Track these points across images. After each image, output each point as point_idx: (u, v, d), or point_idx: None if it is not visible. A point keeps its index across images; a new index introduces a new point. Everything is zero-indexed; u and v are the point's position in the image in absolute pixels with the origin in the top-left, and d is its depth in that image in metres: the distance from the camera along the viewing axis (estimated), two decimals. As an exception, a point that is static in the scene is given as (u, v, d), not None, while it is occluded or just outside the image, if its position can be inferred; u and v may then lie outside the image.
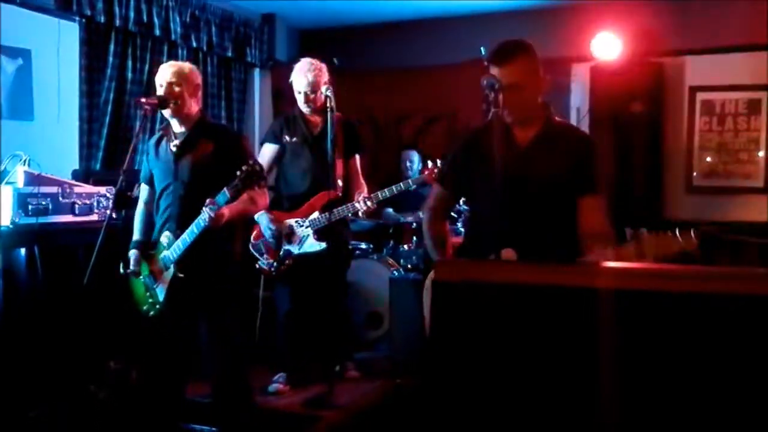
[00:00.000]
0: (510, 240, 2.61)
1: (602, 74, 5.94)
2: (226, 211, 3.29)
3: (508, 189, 2.58)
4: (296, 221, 4.32)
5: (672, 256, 2.46)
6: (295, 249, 4.32)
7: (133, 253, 3.58)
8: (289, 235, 4.32)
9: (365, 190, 4.38)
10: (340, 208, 4.24)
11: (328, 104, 4.15)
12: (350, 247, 4.70)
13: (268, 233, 4.31)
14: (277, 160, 4.43)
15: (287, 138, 4.38)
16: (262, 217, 4.29)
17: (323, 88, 4.25)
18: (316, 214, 4.24)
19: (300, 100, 4.31)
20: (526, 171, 2.70)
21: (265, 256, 4.36)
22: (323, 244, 4.20)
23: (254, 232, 4.41)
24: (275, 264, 4.33)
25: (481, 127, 2.84)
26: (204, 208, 3.24)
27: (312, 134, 4.36)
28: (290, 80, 4.34)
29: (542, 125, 2.76)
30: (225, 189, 3.21)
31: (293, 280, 4.37)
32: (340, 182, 4.33)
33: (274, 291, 4.58)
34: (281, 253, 4.32)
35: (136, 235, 3.63)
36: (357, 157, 4.51)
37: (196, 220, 3.29)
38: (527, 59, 2.67)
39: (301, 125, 4.38)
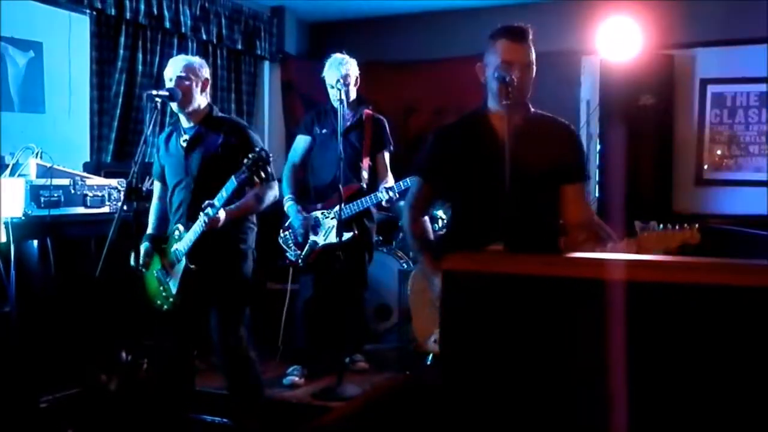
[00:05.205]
0: (495, 231, 2.55)
1: (612, 67, 5.91)
2: (222, 215, 3.30)
3: (492, 180, 2.57)
4: (322, 213, 4.39)
5: (673, 250, 2.48)
6: (321, 240, 4.38)
7: (143, 246, 3.61)
8: (315, 227, 4.39)
9: (390, 181, 4.41)
10: (364, 198, 4.30)
11: (343, 97, 4.17)
12: (374, 240, 4.72)
13: (296, 225, 4.37)
14: (310, 151, 4.50)
15: (318, 130, 4.45)
16: (290, 210, 4.38)
17: (353, 83, 4.34)
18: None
19: (332, 94, 4.34)
20: (509, 162, 2.61)
21: (293, 247, 4.43)
22: (348, 234, 4.23)
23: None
24: (302, 255, 4.40)
25: (456, 121, 2.88)
26: (201, 212, 3.27)
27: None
28: (322, 75, 4.38)
29: (523, 116, 2.76)
30: (232, 177, 3.22)
31: (317, 269, 4.42)
32: (365, 174, 4.41)
33: (300, 281, 4.63)
34: (308, 244, 4.38)
35: (149, 229, 3.67)
36: (386, 153, 4.54)
37: (197, 221, 3.32)
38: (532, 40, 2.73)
39: (332, 118, 4.41)
